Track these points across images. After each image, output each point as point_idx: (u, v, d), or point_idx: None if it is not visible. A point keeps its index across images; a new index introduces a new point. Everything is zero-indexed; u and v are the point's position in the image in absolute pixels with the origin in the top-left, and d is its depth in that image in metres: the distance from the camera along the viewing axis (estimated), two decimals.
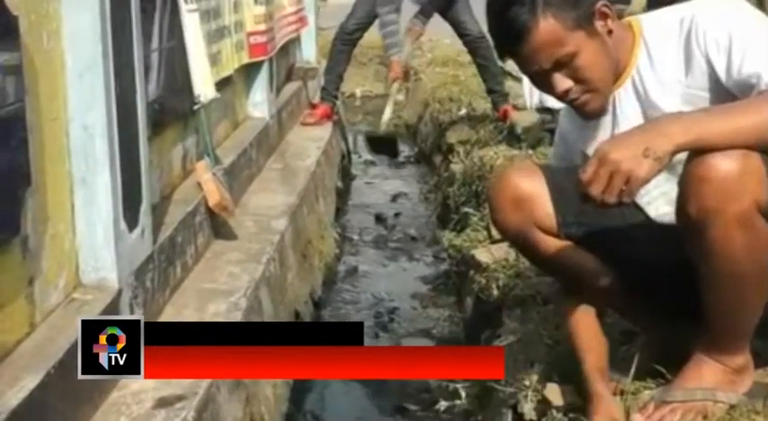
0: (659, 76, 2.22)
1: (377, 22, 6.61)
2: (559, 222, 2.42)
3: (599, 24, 2.17)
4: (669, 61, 2.19)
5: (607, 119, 2.30)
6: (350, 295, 5.12)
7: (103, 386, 2.53)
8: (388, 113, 6.94)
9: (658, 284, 2.36)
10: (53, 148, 2.51)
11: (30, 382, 2.13)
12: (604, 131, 2.32)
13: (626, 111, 2.27)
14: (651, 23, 2.26)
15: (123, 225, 2.74)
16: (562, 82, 2.19)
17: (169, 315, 3.09)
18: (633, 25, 2.27)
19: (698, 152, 1.97)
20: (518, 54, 2.19)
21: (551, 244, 2.46)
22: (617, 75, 2.25)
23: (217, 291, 3.34)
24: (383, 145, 7.30)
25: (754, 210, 1.97)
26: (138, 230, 2.86)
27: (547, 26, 2.12)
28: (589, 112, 2.26)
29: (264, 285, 3.62)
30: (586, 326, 2.46)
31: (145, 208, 2.93)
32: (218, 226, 3.89)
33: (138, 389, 2.60)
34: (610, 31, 2.19)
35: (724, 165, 1.95)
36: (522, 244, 2.56)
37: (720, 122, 1.94)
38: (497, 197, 2.49)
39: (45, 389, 2.16)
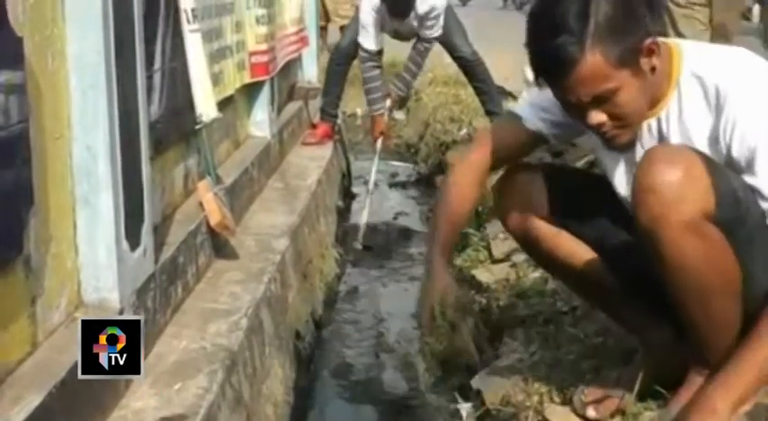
0: (685, 131, 2.21)
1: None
2: (561, 214, 2.55)
3: (644, 61, 2.14)
4: (698, 125, 2.18)
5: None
6: (350, 315, 5.12)
7: (105, 405, 2.53)
8: (365, 216, 6.42)
9: (657, 288, 2.38)
10: (56, 168, 2.52)
11: (32, 401, 2.13)
12: (624, 157, 2.35)
13: (647, 147, 2.25)
14: (691, 70, 2.21)
15: (125, 245, 2.75)
16: (597, 116, 2.17)
17: (170, 334, 3.09)
18: (674, 58, 2.23)
19: (644, 161, 2.09)
20: (558, 84, 2.17)
21: (555, 238, 2.54)
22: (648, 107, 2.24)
23: (218, 310, 3.34)
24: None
25: (700, 217, 2.03)
26: (139, 250, 2.87)
27: (593, 61, 2.08)
28: (617, 145, 2.26)
29: (265, 305, 3.62)
30: (459, 198, 2.64)
31: (147, 227, 2.94)
32: (220, 245, 3.89)
33: (140, 408, 2.60)
34: (653, 68, 2.16)
35: (667, 174, 2.03)
36: (526, 240, 2.64)
37: (757, 379, 2.09)
38: (501, 194, 2.66)
39: (47, 408, 2.15)
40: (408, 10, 6.23)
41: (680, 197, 2.02)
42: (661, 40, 2.22)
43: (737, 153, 2.10)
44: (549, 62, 2.14)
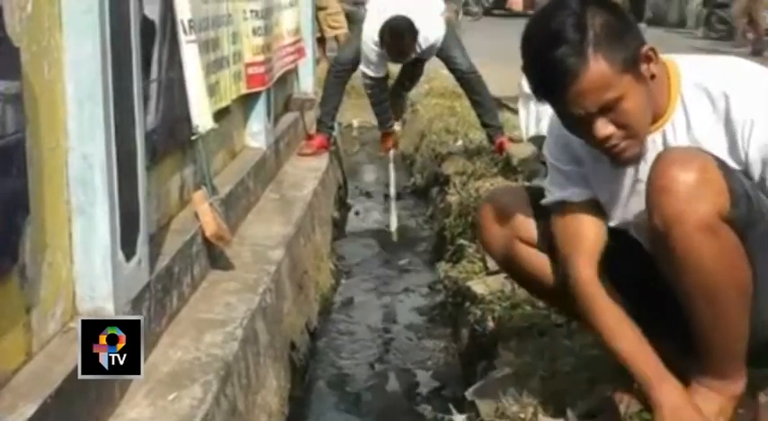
0: (696, 142, 2.18)
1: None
2: (540, 234, 2.52)
3: (644, 68, 2.13)
4: (710, 135, 2.17)
5: None
6: (345, 326, 5.11)
7: (100, 414, 2.53)
8: (394, 220, 6.88)
9: (647, 305, 2.37)
10: (52, 178, 2.52)
11: (27, 410, 2.12)
12: (625, 174, 2.31)
13: (651, 161, 2.21)
14: (692, 81, 2.21)
15: (121, 254, 2.75)
16: (604, 127, 2.13)
17: (165, 344, 3.09)
18: (671, 71, 2.23)
19: (658, 163, 2.09)
20: (562, 97, 2.12)
21: (535, 258, 2.52)
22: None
23: (213, 320, 3.34)
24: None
25: (716, 218, 2.04)
26: (135, 260, 2.87)
27: (597, 67, 2.06)
28: (625, 160, 2.23)
29: (261, 315, 3.62)
30: (614, 318, 2.33)
31: (142, 237, 2.94)
32: (215, 255, 3.89)
33: (135, 418, 2.60)
34: (653, 76, 2.15)
35: (683, 175, 2.04)
36: (507, 260, 2.64)
37: None
38: (482, 215, 2.64)
39: (42, 418, 2.15)
40: (410, 52, 6.32)
41: (696, 197, 2.02)
42: None
43: (759, 152, 2.11)
44: (552, 75, 2.10)
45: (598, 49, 2.07)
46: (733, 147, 2.14)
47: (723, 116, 2.15)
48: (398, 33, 6.10)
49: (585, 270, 2.37)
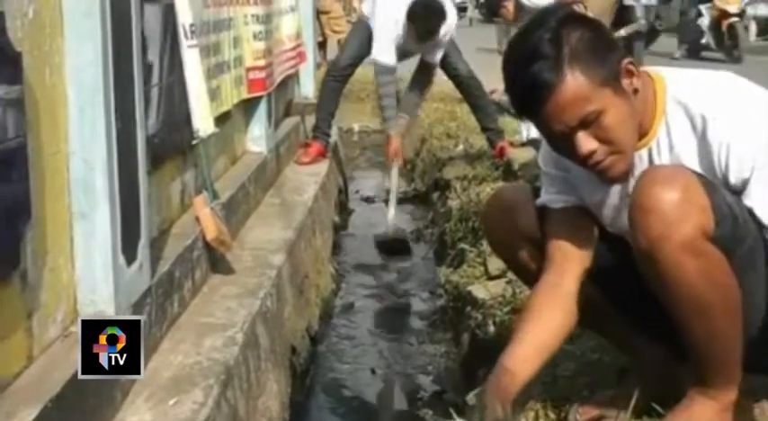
0: (679, 159, 2.18)
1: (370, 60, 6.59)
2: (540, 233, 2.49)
3: (625, 82, 2.12)
4: (689, 155, 2.16)
5: None
6: (346, 330, 5.12)
7: (101, 419, 2.52)
8: (392, 211, 6.38)
9: (649, 308, 2.37)
10: (53, 182, 2.52)
11: (27, 415, 2.12)
12: (614, 187, 2.31)
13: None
14: (675, 98, 2.20)
15: (122, 259, 2.75)
16: (587, 142, 2.11)
17: (166, 349, 3.09)
18: (657, 86, 2.22)
19: (641, 182, 2.08)
20: (541, 112, 2.11)
21: (535, 257, 2.52)
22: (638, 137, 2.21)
23: (214, 325, 3.34)
24: (394, 246, 6.28)
25: (700, 236, 2.02)
26: (136, 264, 2.87)
27: (574, 81, 2.06)
28: (613, 177, 2.21)
29: (261, 320, 3.62)
30: (538, 323, 2.36)
31: (143, 242, 2.94)
32: (216, 260, 3.89)
33: None
34: (635, 90, 2.14)
35: (665, 195, 2.02)
36: (510, 256, 2.62)
37: None
38: (488, 211, 2.67)
39: None
40: (435, 34, 6.14)
41: (680, 217, 2.00)
42: (642, 68, 2.22)
43: (735, 178, 2.09)
44: (529, 91, 2.10)
45: (574, 62, 2.06)
46: (710, 169, 2.12)
47: (701, 137, 2.13)
48: (432, 10, 6.02)
49: (539, 283, 2.41)
